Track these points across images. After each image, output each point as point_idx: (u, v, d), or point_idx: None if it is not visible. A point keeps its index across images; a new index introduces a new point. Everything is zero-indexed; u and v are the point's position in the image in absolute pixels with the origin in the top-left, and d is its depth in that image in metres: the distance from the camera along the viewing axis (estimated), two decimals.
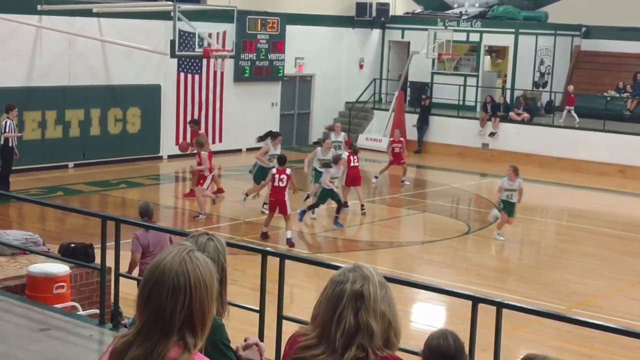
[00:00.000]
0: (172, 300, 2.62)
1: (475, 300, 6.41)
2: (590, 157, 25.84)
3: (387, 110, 29.60)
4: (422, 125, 28.75)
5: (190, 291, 2.63)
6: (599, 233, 18.15)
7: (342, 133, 21.64)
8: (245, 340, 3.60)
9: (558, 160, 26.27)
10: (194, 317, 2.65)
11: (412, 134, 28.85)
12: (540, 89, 31.08)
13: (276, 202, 16.05)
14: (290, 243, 15.90)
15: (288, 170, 16.10)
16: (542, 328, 11.33)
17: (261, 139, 19.38)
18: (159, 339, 2.63)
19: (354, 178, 18.82)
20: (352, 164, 18.72)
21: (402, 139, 23.13)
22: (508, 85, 30.29)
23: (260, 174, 18.34)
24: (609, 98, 28.90)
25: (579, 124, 27.25)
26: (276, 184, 15.98)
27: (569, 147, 26.32)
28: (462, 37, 30.14)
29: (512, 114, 28.13)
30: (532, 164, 25.75)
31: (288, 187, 16.00)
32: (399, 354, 3.18)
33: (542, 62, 31.10)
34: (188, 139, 23.22)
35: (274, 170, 16.23)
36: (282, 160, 16.46)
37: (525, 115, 27.99)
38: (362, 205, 18.92)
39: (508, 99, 29.32)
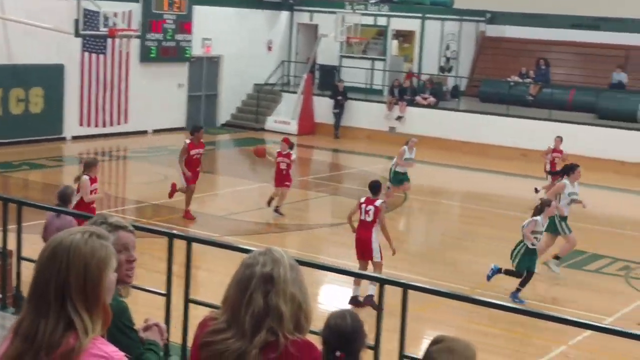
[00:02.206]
0: (48, 269, 2.62)
1: (382, 282, 6.49)
2: (494, 141, 26.39)
3: (296, 93, 29.61)
4: (341, 110, 28.77)
5: (67, 261, 2.61)
6: (502, 215, 18.55)
7: (414, 149, 18.86)
8: (145, 321, 3.60)
9: (463, 144, 26.73)
10: (72, 293, 2.60)
11: (329, 118, 28.84)
12: (446, 73, 31.54)
13: (359, 241, 12.20)
14: (367, 301, 11.84)
15: (378, 202, 12.13)
16: (447, 309, 11.54)
17: None
18: (39, 313, 2.61)
19: None
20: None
21: (562, 148, 19.36)
22: (415, 69, 30.62)
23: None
24: (512, 83, 29.53)
25: (483, 108, 27.80)
26: (362, 216, 12.17)
27: (474, 131, 26.82)
28: (370, 20, 30.34)
29: (418, 98, 28.49)
30: (437, 147, 26.13)
31: (377, 223, 12.04)
32: (309, 337, 3.19)
33: (448, 47, 31.54)
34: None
35: (362, 199, 12.33)
36: (374, 188, 12.37)
37: (432, 99, 28.40)
38: None
39: (415, 83, 29.67)
